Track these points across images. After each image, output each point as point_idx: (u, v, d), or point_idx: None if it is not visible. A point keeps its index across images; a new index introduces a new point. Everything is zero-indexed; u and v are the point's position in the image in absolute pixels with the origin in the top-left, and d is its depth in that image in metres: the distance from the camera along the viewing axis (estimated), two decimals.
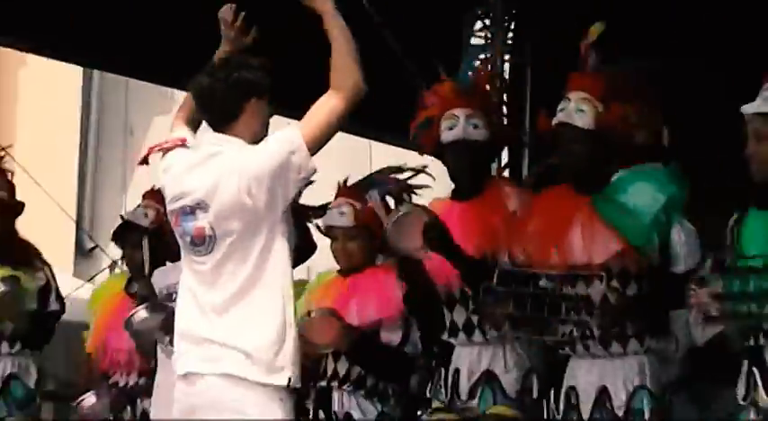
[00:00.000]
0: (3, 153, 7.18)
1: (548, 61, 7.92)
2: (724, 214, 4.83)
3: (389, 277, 5.72)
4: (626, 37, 6.65)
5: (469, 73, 7.15)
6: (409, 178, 6.06)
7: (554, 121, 5.12)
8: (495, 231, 5.36)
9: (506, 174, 6.75)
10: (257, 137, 4.43)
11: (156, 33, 7.91)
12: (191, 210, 4.44)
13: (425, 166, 6.03)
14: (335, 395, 5.78)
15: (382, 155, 8.17)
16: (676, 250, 5.01)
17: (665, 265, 5.02)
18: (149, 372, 6.53)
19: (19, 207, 6.88)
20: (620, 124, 5.13)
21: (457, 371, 5.40)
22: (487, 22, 8.11)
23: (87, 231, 13.40)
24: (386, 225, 5.50)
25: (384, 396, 5.81)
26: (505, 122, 6.92)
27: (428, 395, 5.67)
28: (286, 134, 4.42)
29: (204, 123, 4.73)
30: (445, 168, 5.68)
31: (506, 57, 8.03)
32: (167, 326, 5.50)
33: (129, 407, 6.99)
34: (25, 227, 7.16)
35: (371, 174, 6.16)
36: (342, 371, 5.78)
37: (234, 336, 4.34)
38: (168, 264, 6.28)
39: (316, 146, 4.35)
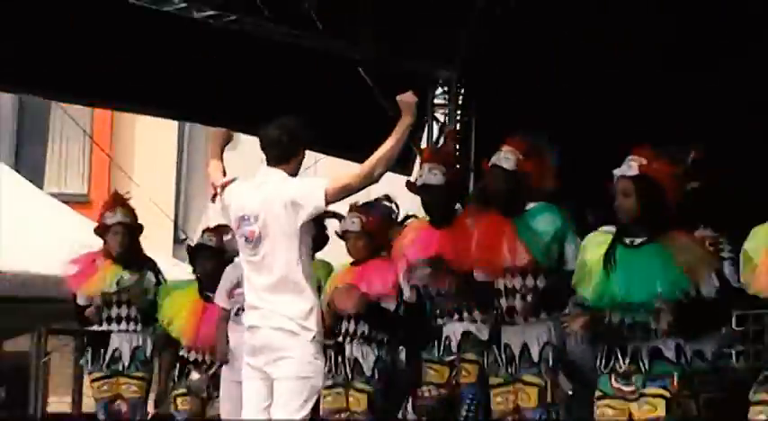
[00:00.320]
0: (128, 194, 7.55)
1: (488, 117, 9.05)
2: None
3: (386, 265, 6.45)
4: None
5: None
6: (392, 204, 6.76)
7: (489, 163, 5.86)
8: (463, 254, 5.93)
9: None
10: (295, 172, 5.09)
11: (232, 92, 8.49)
12: (247, 219, 5.03)
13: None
14: (347, 346, 6.52)
15: None
16: (568, 256, 5.64)
17: (561, 265, 5.68)
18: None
19: (140, 229, 7.46)
20: (533, 170, 5.77)
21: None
22: (446, 87, 9.43)
23: (180, 227, 13.30)
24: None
25: (380, 344, 6.51)
26: (458, 166, 7.67)
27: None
28: (318, 183, 5.03)
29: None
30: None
31: (458, 113, 9.37)
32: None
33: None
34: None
35: (376, 199, 6.75)
36: (351, 330, 6.50)
37: (277, 304, 4.97)
38: (236, 259, 6.39)
39: (333, 198, 4.98)
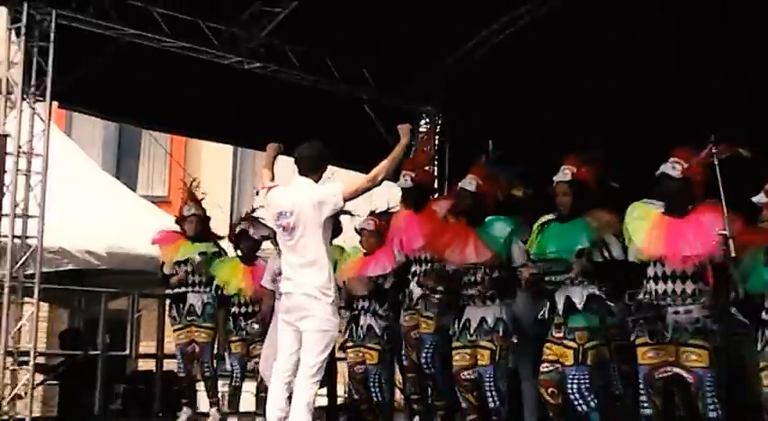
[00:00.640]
0: (202, 194, 7.48)
1: (458, 142, 8.97)
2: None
3: (387, 252, 6.34)
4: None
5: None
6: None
7: (458, 186, 5.84)
8: (432, 233, 5.95)
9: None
10: (319, 180, 5.11)
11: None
12: (284, 214, 5.03)
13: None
14: (362, 317, 6.43)
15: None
16: (515, 256, 5.56)
17: (509, 262, 5.58)
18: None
19: (208, 219, 7.46)
20: (489, 191, 5.73)
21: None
22: (428, 119, 9.38)
23: (234, 220, 12.37)
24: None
25: (385, 317, 6.40)
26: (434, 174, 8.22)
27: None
28: (336, 187, 5.04)
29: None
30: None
31: (436, 138, 9.37)
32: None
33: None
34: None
35: (387, 209, 6.78)
36: (365, 306, 6.40)
37: (305, 277, 4.98)
38: (275, 253, 6.57)
39: (348, 198, 5.00)
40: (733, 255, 4.45)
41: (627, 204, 5.00)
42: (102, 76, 7.85)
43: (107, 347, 8.29)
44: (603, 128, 7.49)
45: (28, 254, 6.94)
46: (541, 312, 5.32)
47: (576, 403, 5.05)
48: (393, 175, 5.39)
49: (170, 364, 7.85)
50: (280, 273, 5.60)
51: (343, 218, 6.24)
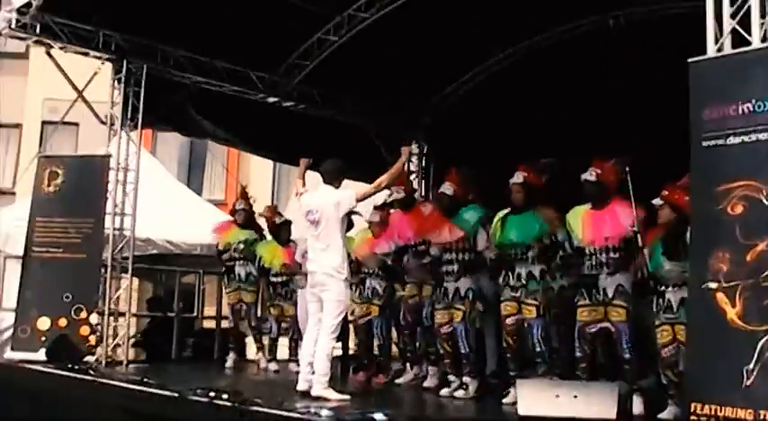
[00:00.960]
0: (251, 196, 7.40)
1: (441, 162, 8.54)
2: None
3: (389, 238, 6.11)
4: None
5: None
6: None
7: (438, 190, 5.73)
8: (419, 224, 5.78)
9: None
10: (338, 187, 5.11)
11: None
12: (311, 212, 5.08)
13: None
14: (368, 280, 6.36)
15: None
16: (479, 240, 5.47)
17: (476, 246, 5.48)
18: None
19: (253, 212, 7.35)
20: (461, 192, 5.59)
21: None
22: (417, 143, 8.91)
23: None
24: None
25: (385, 287, 6.32)
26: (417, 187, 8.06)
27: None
28: (351, 192, 5.05)
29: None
30: None
31: (423, 158, 9.07)
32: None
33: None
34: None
35: (384, 202, 6.55)
36: (370, 271, 6.33)
37: (326, 260, 5.01)
38: (299, 240, 6.55)
39: (360, 200, 5.07)
40: (641, 244, 4.46)
41: (564, 201, 4.98)
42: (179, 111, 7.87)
43: (180, 311, 8.27)
44: (550, 146, 6.87)
45: (124, 242, 7.05)
46: (502, 279, 5.21)
47: (537, 347, 5.02)
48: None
49: (226, 324, 7.79)
50: (305, 254, 5.57)
51: (354, 217, 6.18)
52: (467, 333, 5.48)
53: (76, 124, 11.67)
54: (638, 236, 4.47)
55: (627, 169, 4.58)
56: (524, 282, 5.05)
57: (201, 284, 8.50)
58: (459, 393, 5.46)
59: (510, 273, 5.14)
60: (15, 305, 6.92)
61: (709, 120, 3.75)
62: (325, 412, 4.12)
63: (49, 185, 7.00)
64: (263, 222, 7.45)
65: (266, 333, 7.29)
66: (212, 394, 4.58)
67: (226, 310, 7.60)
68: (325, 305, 4.99)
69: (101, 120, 7.23)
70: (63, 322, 6.67)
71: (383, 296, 6.35)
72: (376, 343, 6.43)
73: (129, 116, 7.02)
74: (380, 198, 6.66)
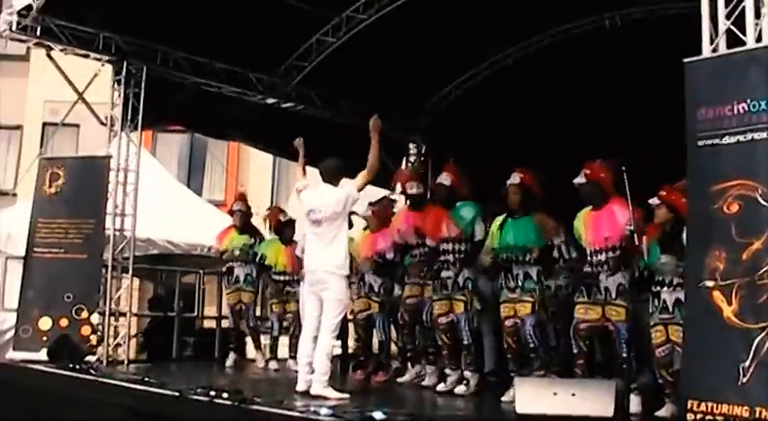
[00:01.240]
0: (249, 198, 7.43)
1: (438, 160, 8.00)
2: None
3: (388, 233, 6.09)
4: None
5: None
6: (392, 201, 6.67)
7: (436, 181, 5.76)
8: (424, 227, 5.71)
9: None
10: (337, 185, 5.07)
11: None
12: (313, 211, 5.03)
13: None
14: (366, 276, 6.30)
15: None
16: (477, 232, 5.48)
17: (473, 237, 5.51)
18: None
19: (251, 214, 7.28)
20: (458, 185, 5.62)
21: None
22: (416, 143, 9.12)
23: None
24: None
25: (385, 283, 6.28)
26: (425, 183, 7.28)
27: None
28: (351, 187, 5.01)
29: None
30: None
31: (422, 157, 9.09)
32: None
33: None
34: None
35: (381, 198, 6.63)
36: (372, 266, 6.26)
37: (327, 258, 4.97)
38: (299, 237, 6.55)
39: (360, 189, 5.00)
40: (637, 243, 4.47)
41: (560, 203, 4.99)
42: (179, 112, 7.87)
43: (181, 310, 8.25)
44: (550, 147, 7.18)
45: (124, 242, 7.04)
46: (500, 282, 5.22)
47: (530, 341, 5.03)
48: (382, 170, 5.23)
49: (226, 323, 7.80)
50: (303, 250, 5.52)
51: (352, 217, 6.18)
52: (469, 322, 5.44)
53: (77, 125, 11.69)
54: (634, 235, 4.48)
55: (623, 169, 4.57)
56: (521, 282, 5.06)
57: (202, 284, 8.47)
58: (460, 389, 5.44)
59: (508, 275, 5.13)
60: (17, 305, 6.94)
61: (704, 120, 3.76)
62: (324, 411, 4.13)
63: (50, 186, 7.02)
64: (260, 225, 7.44)
65: (267, 332, 7.29)
66: (213, 393, 4.59)
67: (226, 310, 7.62)
68: (325, 304, 4.97)
69: (101, 122, 7.23)
70: (64, 322, 6.69)
71: (381, 294, 6.34)
72: (377, 339, 6.40)
73: (129, 117, 7.02)
74: (376, 194, 6.60)
